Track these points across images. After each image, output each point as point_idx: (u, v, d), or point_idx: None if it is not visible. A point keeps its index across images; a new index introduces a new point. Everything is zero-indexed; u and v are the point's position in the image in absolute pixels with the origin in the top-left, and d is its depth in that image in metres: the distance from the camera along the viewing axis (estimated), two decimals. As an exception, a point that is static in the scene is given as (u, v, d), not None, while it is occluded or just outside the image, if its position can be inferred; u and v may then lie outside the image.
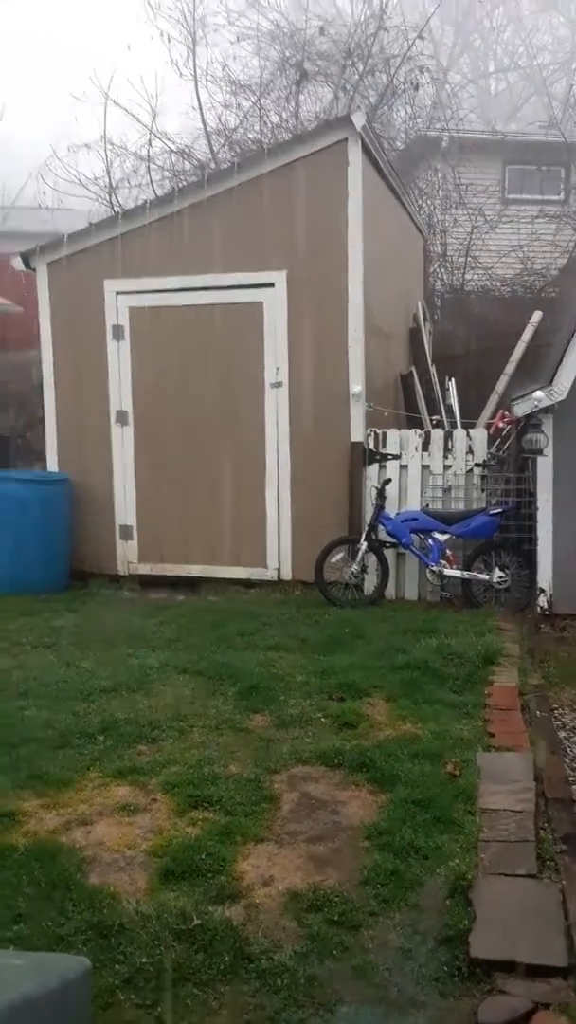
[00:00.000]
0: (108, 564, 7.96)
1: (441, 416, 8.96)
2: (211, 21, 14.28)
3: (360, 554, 6.93)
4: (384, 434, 7.29)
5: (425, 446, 7.19)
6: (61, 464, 8.06)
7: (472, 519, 6.81)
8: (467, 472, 7.13)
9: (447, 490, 7.17)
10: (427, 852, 3.19)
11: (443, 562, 6.85)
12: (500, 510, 6.82)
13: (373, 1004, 2.53)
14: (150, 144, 13.10)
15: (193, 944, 2.71)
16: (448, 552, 6.88)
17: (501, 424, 7.37)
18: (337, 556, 7.03)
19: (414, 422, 8.34)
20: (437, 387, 9.54)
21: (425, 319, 10.24)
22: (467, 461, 7.12)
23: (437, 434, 7.28)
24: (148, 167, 13.00)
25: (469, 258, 12.69)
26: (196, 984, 2.57)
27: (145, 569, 7.90)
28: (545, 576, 6.43)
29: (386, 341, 8.43)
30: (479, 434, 7.25)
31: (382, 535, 7.00)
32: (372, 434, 7.28)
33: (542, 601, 6.44)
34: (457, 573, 6.84)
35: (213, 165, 12.30)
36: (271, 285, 7.38)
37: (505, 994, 2.54)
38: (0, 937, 2.73)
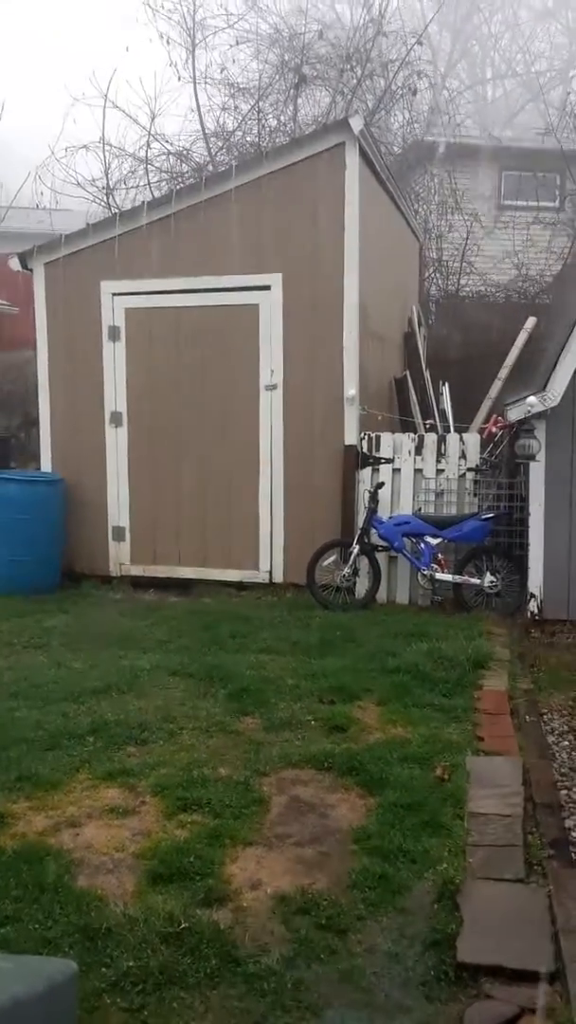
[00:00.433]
0: (100, 565, 7.96)
1: (435, 420, 8.98)
2: (210, 24, 14.25)
3: (352, 557, 6.94)
4: (378, 437, 7.31)
5: (418, 450, 7.20)
6: (55, 464, 8.05)
7: (464, 523, 6.83)
8: (460, 476, 7.15)
9: (439, 494, 7.18)
10: (415, 856, 3.20)
11: (435, 566, 6.87)
12: (492, 515, 6.84)
13: (360, 1008, 2.53)
14: (148, 146, 13.13)
15: (180, 947, 2.71)
16: (440, 556, 6.89)
17: (494, 429, 7.39)
18: (329, 559, 7.04)
19: (408, 426, 8.35)
20: (431, 391, 9.56)
21: (420, 323, 10.26)
22: (460, 466, 7.14)
23: (430, 438, 7.30)
24: (146, 169, 13.02)
25: (464, 263, 12.75)
26: (183, 988, 2.57)
27: (137, 570, 7.90)
28: (536, 581, 6.45)
29: (381, 345, 8.45)
30: (472, 439, 7.27)
31: (374, 538, 7.01)
32: (366, 437, 7.30)
33: (532, 606, 6.45)
34: (448, 577, 6.86)
35: (211, 167, 12.32)
36: (267, 288, 7.39)
37: (492, 999, 2.55)
38: (-13, 939, 2.73)
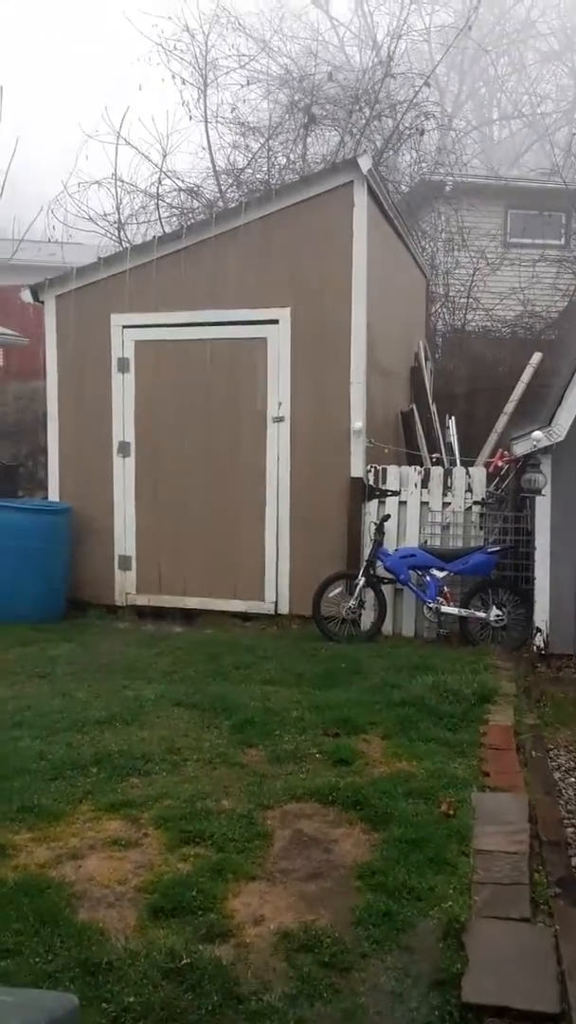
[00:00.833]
0: (106, 594, 7.97)
1: (441, 454, 9.02)
2: (222, 64, 14.56)
3: (358, 589, 6.94)
4: (384, 470, 7.34)
5: (424, 483, 7.23)
6: (63, 494, 8.10)
7: (470, 557, 6.83)
8: (466, 510, 7.17)
9: (445, 527, 7.19)
10: (420, 893, 3.16)
11: (440, 599, 6.85)
12: (498, 548, 6.84)
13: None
14: (160, 182, 13.34)
15: (182, 983, 2.68)
16: (446, 589, 6.88)
17: (500, 463, 7.41)
18: (335, 591, 7.03)
19: (414, 459, 8.39)
20: (437, 425, 9.62)
21: (426, 358, 10.35)
22: (466, 499, 7.16)
23: (436, 471, 7.33)
24: (157, 204, 13.22)
25: (470, 299, 12.87)
26: (184, 1024, 2.54)
27: (143, 600, 7.90)
28: (542, 615, 6.43)
29: (388, 379, 8.52)
30: (478, 472, 7.30)
31: (380, 571, 7.01)
32: (372, 470, 7.33)
33: (539, 640, 6.43)
34: (454, 610, 6.84)
35: (221, 204, 12.52)
36: (275, 322, 7.48)
37: (497, 1041, 2.51)
38: (-13, 972, 2.70)
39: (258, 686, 5.52)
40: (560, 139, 18.14)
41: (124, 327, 7.88)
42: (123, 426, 7.92)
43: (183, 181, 13.68)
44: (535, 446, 6.23)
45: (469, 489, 7.16)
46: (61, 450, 8.13)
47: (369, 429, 7.42)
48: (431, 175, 13.90)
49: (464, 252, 13.18)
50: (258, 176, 13.50)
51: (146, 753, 4.37)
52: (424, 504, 7.23)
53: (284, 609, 7.51)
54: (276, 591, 7.53)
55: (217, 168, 13.77)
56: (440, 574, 6.85)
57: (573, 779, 4.37)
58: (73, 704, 5.17)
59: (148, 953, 2.79)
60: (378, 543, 6.99)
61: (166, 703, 5.17)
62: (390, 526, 7.15)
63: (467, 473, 7.26)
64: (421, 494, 7.23)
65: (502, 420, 9.50)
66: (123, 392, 7.90)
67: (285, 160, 13.72)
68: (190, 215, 12.82)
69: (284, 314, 7.46)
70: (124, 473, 7.93)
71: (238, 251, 7.58)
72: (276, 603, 7.53)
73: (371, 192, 7.41)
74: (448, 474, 7.29)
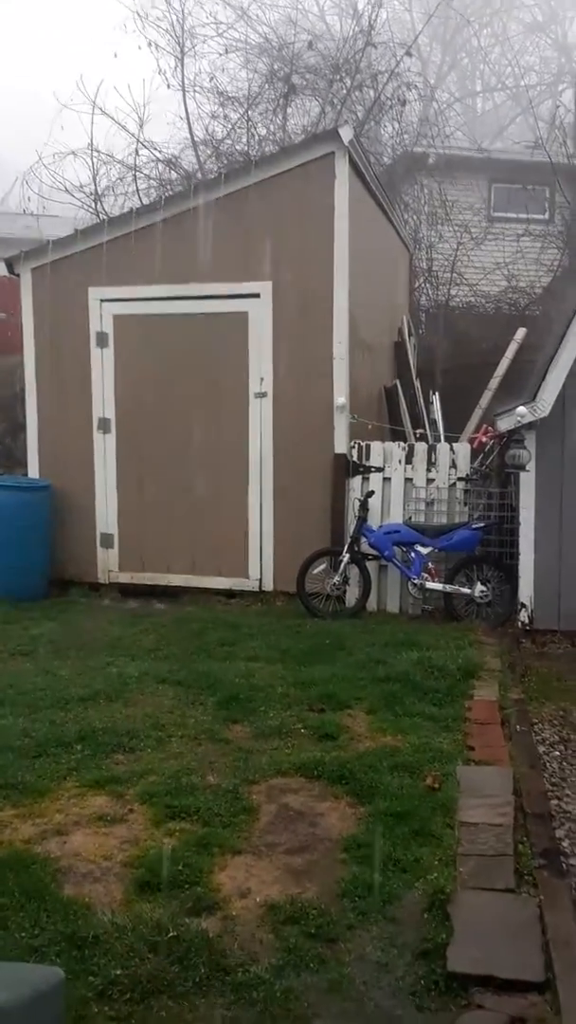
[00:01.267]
0: (88, 572, 7.91)
1: (425, 430, 9.00)
2: (200, 32, 14.28)
3: (342, 566, 6.93)
4: (368, 446, 7.31)
5: (408, 459, 7.21)
6: (42, 471, 8.01)
7: (454, 533, 6.83)
8: (450, 486, 7.16)
9: (430, 503, 7.19)
10: (406, 865, 3.18)
11: (425, 575, 6.86)
12: (482, 524, 6.85)
13: (349, 1018, 2.50)
14: (137, 153, 13.12)
15: (168, 956, 2.68)
16: (430, 565, 6.89)
17: (484, 439, 7.42)
18: (319, 567, 7.02)
19: (398, 435, 8.37)
20: (421, 401, 9.59)
21: (410, 333, 10.30)
22: (450, 475, 7.15)
23: (421, 447, 7.31)
24: (135, 176, 13.01)
25: (454, 274, 12.79)
26: (171, 996, 2.54)
27: (126, 578, 7.86)
28: (526, 591, 6.45)
29: (371, 354, 8.47)
30: (462, 448, 7.29)
31: (364, 547, 7.01)
32: (356, 446, 7.30)
33: (523, 616, 6.46)
34: (439, 586, 6.85)
35: (200, 175, 12.34)
36: (256, 295, 7.39)
37: (482, 1009, 2.54)
38: (-28, 948, 2.69)
39: (243, 662, 5.52)
40: (544, 112, 18.00)
41: (102, 301, 7.76)
42: (103, 402, 7.83)
43: (161, 152, 13.48)
44: (519, 421, 6.23)
45: (453, 465, 7.15)
46: (40, 427, 8.03)
47: (352, 405, 7.38)
48: (413, 147, 13.74)
49: (447, 226, 13.08)
50: (237, 147, 13.31)
51: (131, 730, 4.36)
52: (408, 480, 7.22)
53: (268, 586, 7.49)
54: (260, 568, 7.51)
55: (196, 139, 13.57)
56: (425, 550, 6.85)
57: (557, 753, 4.41)
58: (56, 682, 5.15)
59: (134, 927, 2.79)
60: (362, 519, 6.98)
61: (150, 680, 5.15)
62: (374, 502, 7.13)
63: (451, 449, 7.24)
64: (405, 470, 7.21)
65: (486, 396, 9.49)
66: (102, 367, 7.80)
67: (265, 131, 13.54)
68: (168, 187, 12.64)
69: (265, 288, 7.37)
70: (104, 450, 7.85)
71: (218, 223, 7.47)
72: (260, 580, 7.51)
73: (353, 163, 7.31)
74: (432, 450, 7.28)
